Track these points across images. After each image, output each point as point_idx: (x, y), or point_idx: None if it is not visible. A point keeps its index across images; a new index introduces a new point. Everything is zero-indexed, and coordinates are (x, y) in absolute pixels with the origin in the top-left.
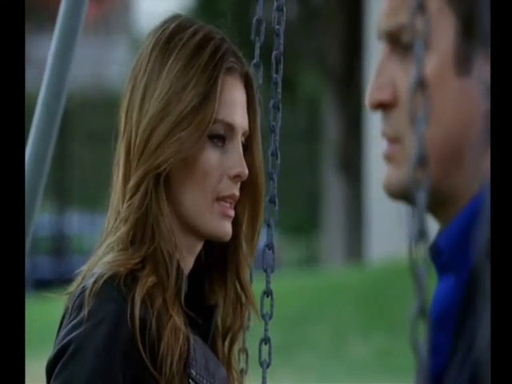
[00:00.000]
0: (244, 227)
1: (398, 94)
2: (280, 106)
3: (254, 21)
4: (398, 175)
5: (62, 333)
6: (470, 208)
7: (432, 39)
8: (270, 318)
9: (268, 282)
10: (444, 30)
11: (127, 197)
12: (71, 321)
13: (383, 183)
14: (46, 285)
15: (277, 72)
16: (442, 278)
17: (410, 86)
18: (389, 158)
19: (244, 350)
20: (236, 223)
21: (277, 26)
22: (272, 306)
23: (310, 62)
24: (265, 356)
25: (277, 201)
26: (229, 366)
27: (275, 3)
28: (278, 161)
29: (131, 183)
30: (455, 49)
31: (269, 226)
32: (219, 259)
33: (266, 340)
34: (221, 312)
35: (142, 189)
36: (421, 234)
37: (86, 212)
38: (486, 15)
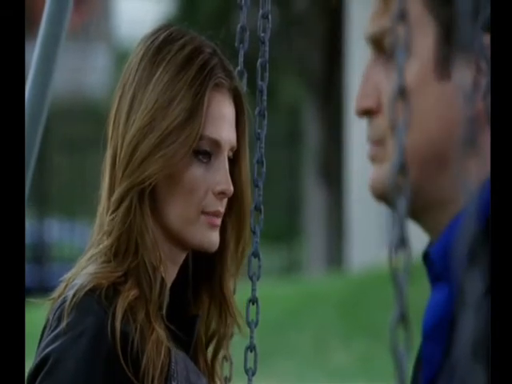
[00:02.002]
0: (231, 239)
1: (381, 100)
2: (266, 113)
3: (238, 28)
4: (380, 175)
5: (42, 345)
6: (461, 217)
7: (413, 45)
8: (256, 325)
9: (253, 290)
10: (424, 36)
11: (111, 210)
12: (51, 332)
13: (369, 184)
14: (26, 293)
15: (262, 79)
16: (436, 287)
17: (390, 93)
18: (372, 158)
19: (228, 358)
20: (223, 236)
21: (262, 34)
22: (258, 313)
23: (291, 68)
24: (250, 364)
25: (262, 208)
26: (212, 375)
27: (260, 11)
28: (264, 168)
29: (115, 196)
30: (435, 54)
31: (254, 233)
32: (207, 269)
33: (251, 348)
34: (205, 320)
35: (126, 203)
36: (401, 240)
37: (65, 219)
38: (466, 20)
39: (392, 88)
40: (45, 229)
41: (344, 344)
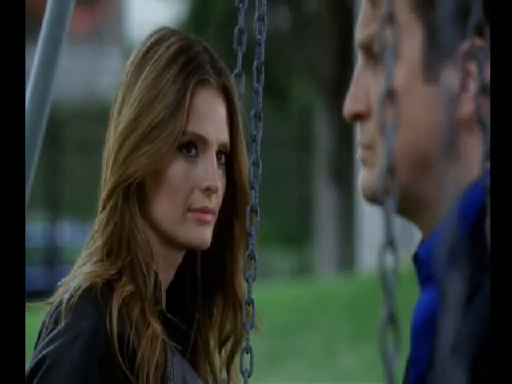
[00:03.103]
0: (241, 239)
1: (371, 104)
2: (261, 115)
3: (236, 30)
4: (369, 179)
5: (39, 347)
6: (449, 219)
7: (401, 49)
8: (251, 327)
9: (249, 292)
10: (412, 40)
11: (100, 209)
12: (47, 335)
13: (360, 186)
14: (38, 296)
15: (258, 81)
16: (425, 288)
17: (379, 96)
18: (363, 161)
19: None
20: (231, 236)
21: (258, 36)
22: (253, 315)
23: (302, 71)
24: (246, 365)
25: (258, 210)
26: (227, 377)
27: (256, 13)
28: (260, 170)
29: (103, 195)
30: (423, 58)
31: (250, 235)
32: (218, 271)
33: (247, 349)
34: (219, 323)
35: (112, 201)
36: (389, 242)
37: (77, 222)
38: (449, 25)
39: (380, 91)
40: (57, 232)
41: (353, 346)
